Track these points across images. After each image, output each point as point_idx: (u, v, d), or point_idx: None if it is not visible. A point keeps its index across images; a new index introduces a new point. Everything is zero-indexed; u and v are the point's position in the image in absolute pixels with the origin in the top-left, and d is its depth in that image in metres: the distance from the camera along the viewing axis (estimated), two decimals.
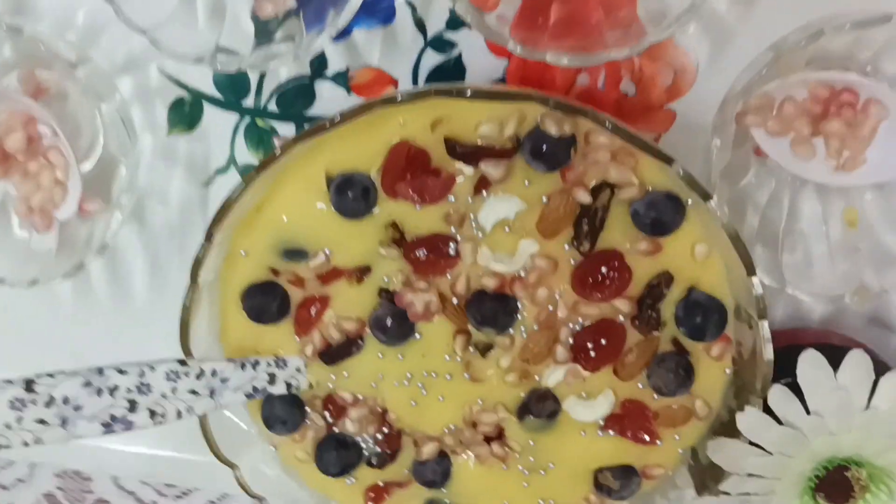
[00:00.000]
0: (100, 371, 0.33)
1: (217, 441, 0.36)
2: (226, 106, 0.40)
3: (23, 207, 0.39)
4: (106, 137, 0.39)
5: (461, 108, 0.33)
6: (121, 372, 0.33)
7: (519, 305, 0.36)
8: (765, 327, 0.33)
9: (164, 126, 0.40)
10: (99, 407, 0.33)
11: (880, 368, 0.34)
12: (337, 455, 0.38)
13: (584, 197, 0.34)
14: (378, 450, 0.38)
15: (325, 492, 0.39)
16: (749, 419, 0.34)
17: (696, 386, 0.36)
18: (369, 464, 0.39)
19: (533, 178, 0.34)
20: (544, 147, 0.33)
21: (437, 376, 0.37)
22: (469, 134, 0.34)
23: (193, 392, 0.35)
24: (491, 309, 0.36)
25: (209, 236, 0.34)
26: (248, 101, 0.40)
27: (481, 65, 0.38)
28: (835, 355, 0.33)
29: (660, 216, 0.34)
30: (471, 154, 0.34)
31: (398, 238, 0.35)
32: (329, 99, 0.39)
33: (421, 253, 0.35)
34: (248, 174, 0.33)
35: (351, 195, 0.35)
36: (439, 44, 0.38)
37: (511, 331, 0.36)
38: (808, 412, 0.33)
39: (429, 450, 0.38)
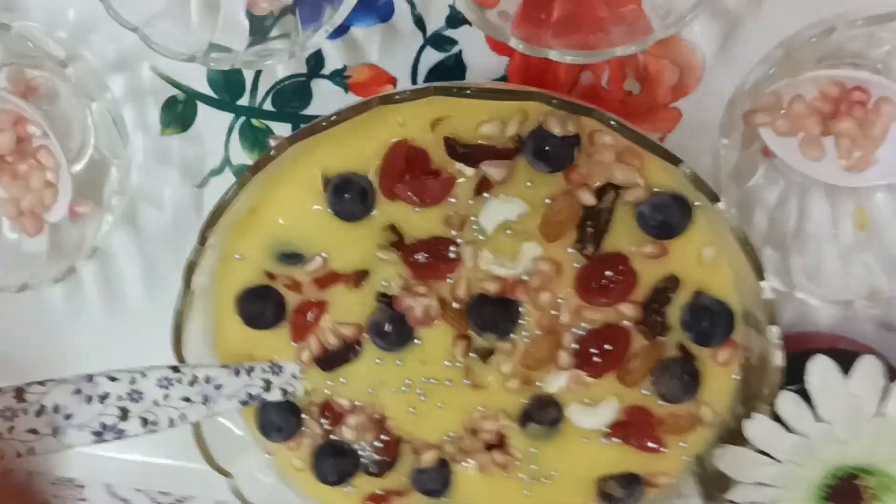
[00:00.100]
0: (90, 378, 0.32)
1: (211, 449, 0.35)
2: (220, 105, 0.39)
3: (12, 210, 0.39)
4: (97, 138, 0.39)
5: (462, 107, 0.32)
6: (112, 379, 0.33)
7: (521, 310, 0.35)
8: (774, 333, 0.32)
9: (156, 126, 0.40)
10: (90, 415, 0.32)
11: (891, 374, 0.33)
12: (334, 463, 0.37)
13: (589, 199, 0.33)
14: (376, 458, 0.38)
15: (323, 500, 0.39)
16: (757, 427, 0.33)
17: (702, 392, 0.36)
18: (368, 472, 0.38)
19: (536, 180, 0.33)
20: (547, 147, 0.32)
21: (437, 382, 0.36)
22: (470, 134, 0.33)
23: (187, 399, 0.34)
24: (492, 314, 0.35)
25: (203, 239, 0.33)
26: (243, 101, 0.39)
27: (482, 63, 0.37)
28: (845, 361, 0.33)
29: (666, 218, 0.33)
30: (472, 154, 0.33)
31: (397, 241, 0.35)
32: (326, 98, 0.38)
33: (420, 256, 0.35)
34: (243, 175, 0.32)
35: (348, 197, 0.34)
36: (439, 41, 0.37)
37: (513, 336, 0.35)
38: (817, 419, 0.33)
39: (428, 458, 0.37)
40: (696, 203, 0.33)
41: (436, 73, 0.38)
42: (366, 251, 0.35)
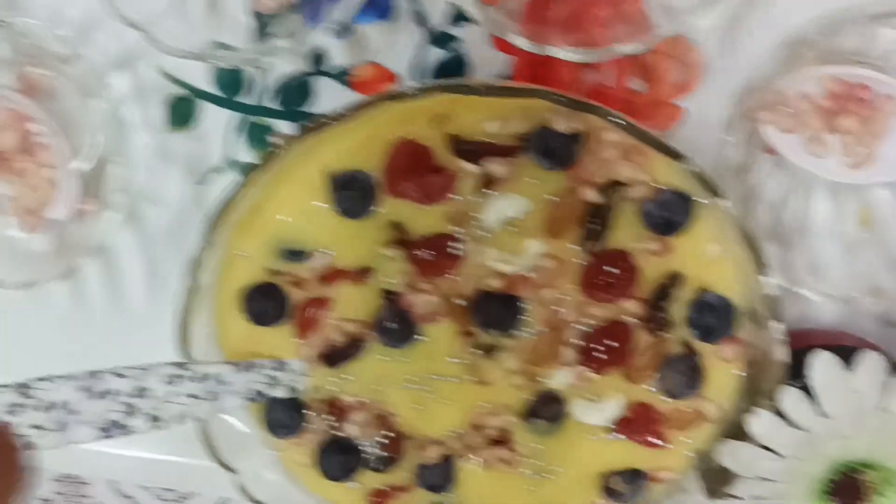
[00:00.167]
0: (97, 375, 0.32)
1: (217, 445, 0.36)
2: (222, 103, 0.39)
3: (16, 208, 0.39)
4: (101, 136, 0.38)
5: (466, 105, 0.32)
6: (118, 376, 0.33)
7: (525, 307, 0.35)
8: (778, 329, 0.32)
9: (159, 124, 0.40)
10: (96, 411, 0.32)
11: (893, 370, 0.33)
12: (339, 459, 0.37)
13: (593, 195, 0.33)
14: (381, 454, 0.38)
15: (328, 496, 0.39)
16: (760, 422, 0.33)
17: (706, 388, 0.36)
18: (372, 468, 0.38)
19: (540, 177, 0.34)
20: (552, 144, 0.32)
21: (442, 379, 0.36)
22: (474, 131, 0.33)
23: (193, 396, 0.34)
24: (496, 310, 0.35)
25: (207, 237, 0.33)
26: (246, 98, 0.39)
27: (485, 61, 0.37)
28: (847, 357, 0.33)
29: (670, 215, 0.33)
30: (476, 152, 0.33)
31: (401, 238, 0.35)
32: (328, 95, 0.38)
33: (424, 253, 0.35)
34: (247, 173, 0.32)
35: (352, 194, 0.34)
36: (441, 39, 0.37)
37: (517, 332, 0.36)
38: (819, 415, 0.33)
39: (433, 453, 0.37)
40: (699, 200, 0.33)
41: (438, 70, 0.38)
42: (370, 248, 0.35)
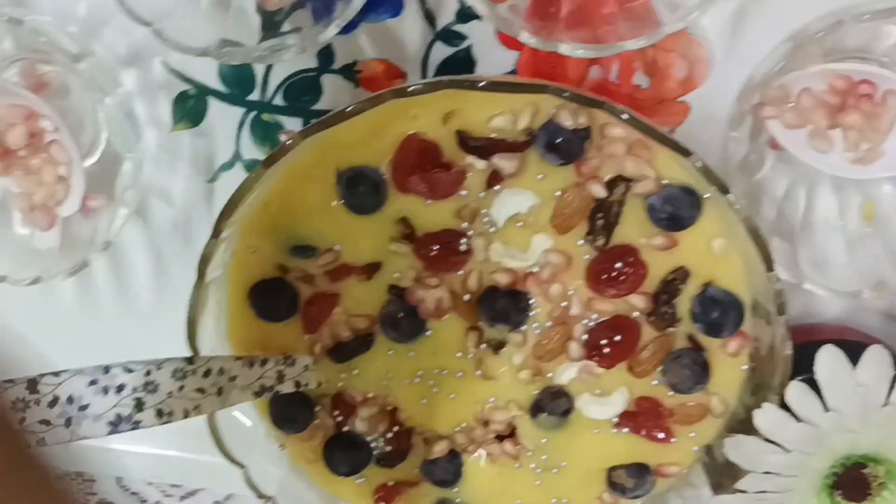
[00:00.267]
0: (105, 369, 0.32)
1: (225, 441, 0.36)
2: (231, 100, 0.39)
3: (24, 204, 0.39)
4: (109, 132, 0.39)
5: (474, 101, 0.33)
6: (127, 370, 0.33)
7: (532, 302, 0.35)
8: (784, 323, 0.33)
9: (168, 121, 0.40)
10: (105, 406, 0.32)
11: None
12: (346, 454, 0.38)
13: (599, 191, 0.34)
14: (388, 449, 0.38)
15: (334, 492, 0.39)
16: (767, 416, 0.33)
17: (711, 383, 0.36)
18: (379, 463, 0.38)
19: (547, 172, 0.34)
20: (559, 139, 0.33)
21: (449, 374, 0.37)
22: (482, 127, 0.33)
23: (201, 391, 0.34)
24: (503, 305, 0.35)
25: (216, 232, 0.33)
26: (254, 96, 0.39)
27: (491, 57, 0.37)
28: (852, 352, 0.33)
29: (676, 210, 0.33)
30: (483, 147, 0.33)
31: (409, 234, 0.35)
32: (336, 93, 0.38)
33: (432, 249, 0.35)
34: (257, 168, 0.33)
35: (361, 190, 0.34)
36: (448, 36, 0.37)
37: (524, 327, 0.36)
38: (825, 409, 0.33)
39: (440, 448, 0.37)
40: (705, 195, 0.33)
41: (446, 67, 0.38)
42: (378, 244, 0.35)
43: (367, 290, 0.36)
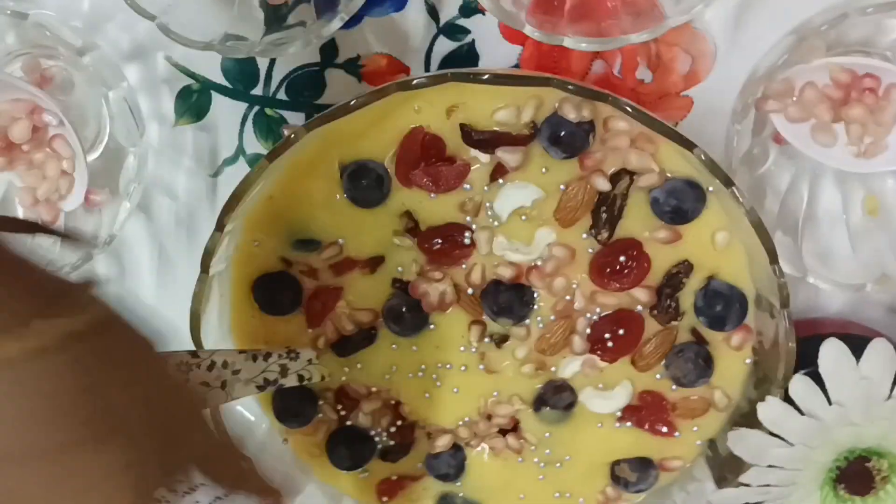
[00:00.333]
0: None
1: (227, 434, 0.36)
2: (234, 95, 0.39)
3: (28, 198, 0.39)
4: (113, 127, 0.39)
5: (477, 94, 0.33)
6: None
7: (535, 295, 0.35)
8: (788, 316, 0.33)
9: (171, 116, 0.40)
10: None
11: None
12: (349, 449, 0.38)
13: (603, 184, 0.34)
14: (391, 443, 0.38)
15: (337, 486, 0.39)
16: (771, 410, 0.33)
17: (715, 376, 0.36)
18: (382, 457, 0.38)
19: (550, 166, 0.34)
20: (562, 133, 0.33)
21: (452, 368, 0.37)
22: (485, 120, 0.33)
23: (205, 384, 0.34)
24: (507, 299, 0.35)
25: (220, 225, 0.33)
26: (257, 90, 0.39)
27: (495, 52, 0.37)
28: (855, 346, 0.33)
29: (680, 203, 0.33)
30: (487, 141, 0.33)
31: (412, 227, 0.35)
32: (339, 87, 0.39)
33: (435, 242, 0.35)
34: (261, 161, 0.33)
35: (364, 183, 0.34)
36: (452, 30, 0.37)
37: (527, 321, 0.36)
38: (829, 402, 0.33)
39: (443, 442, 0.37)
40: (709, 188, 0.33)
41: (449, 62, 0.38)
42: (381, 237, 0.35)
43: (370, 283, 0.36)
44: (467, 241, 0.35)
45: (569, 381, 0.36)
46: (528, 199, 0.34)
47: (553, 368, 0.36)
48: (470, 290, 0.36)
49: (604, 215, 0.34)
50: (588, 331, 0.36)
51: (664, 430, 0.37)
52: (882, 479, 0.35)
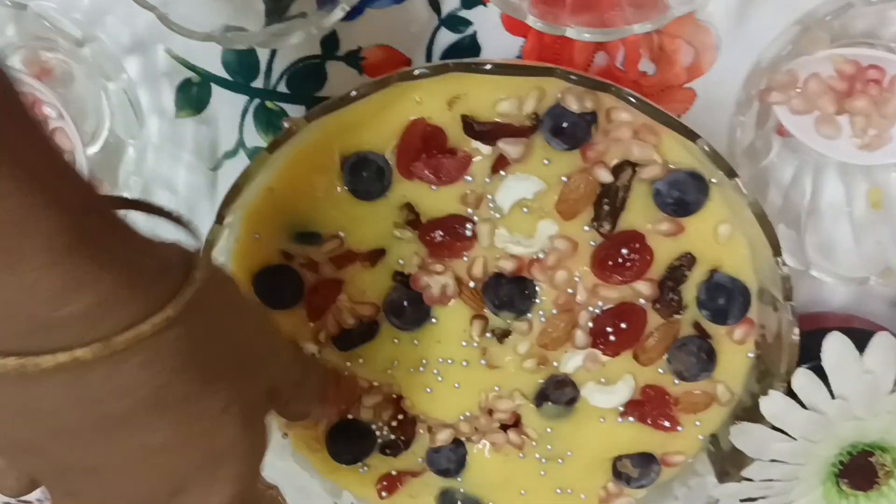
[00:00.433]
0: None
1: None
2: (235, 88, 0.39)
3: None
4: (112, 120, 0.38)
5: (479, 85, 0.33)
6: None
7: (537, 289, 0.35)
8: (791, 309, 0.32)
9: (171, 109, 0.40)
10: None
11: None
12: (350, 443, 0.37)
13: (605, 176, 0.33)
14: (392, 437, 0.38)
15: (337, 480, 0.39)
16: (773, 403, 0.33)
17: (717, 370, 0.36)
18: (382, 452, 0.38)
19: (552, 157, 0.34)
20: (565, 124, 0.32)
21: (454, 363, 0.36)
22: (487, 112, 0.33)
23: None
24: (508, 292, 0.35)
25: (220, 218, 0.33)
26: (258, 83, 0.39)
27: (497, 43, 0.37)
28: (858, 340, 0.33)
29: (683, 195, 0.33)
30: (489, 132, 0.33)
31: (413, 219, 0.35)
32: (340, 80, 0.38)
33: (437, 235, 0.35)
34: (261, 153, 0.32)
35: (365, 176, 0.34)
36: (453, 22, 0.37)
37: (529, 315, 0.36)
38: (832, 396, 0.33)
39: (443, 437, 0.37)
40: (712, 180, 0.33)
41: (450, 54, 0.38)
42: (382, 230, 0.35)
43: (371, 276, 0.36)
44: (469, 233, 0.35)
45: (571, 376, 0.36)
46: (530, 191, 0.34)
47: (555, 363, 0.36)
48: (471, 284, 0.35)
49: (606, 207, 0.34)
50: (590, 324, 0.35)
51: (667, 424, 0.36)
52: (885, 473, 0.35)
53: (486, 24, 0.37)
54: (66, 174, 0.22)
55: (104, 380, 0.22)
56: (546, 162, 0.34)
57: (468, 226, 0.35)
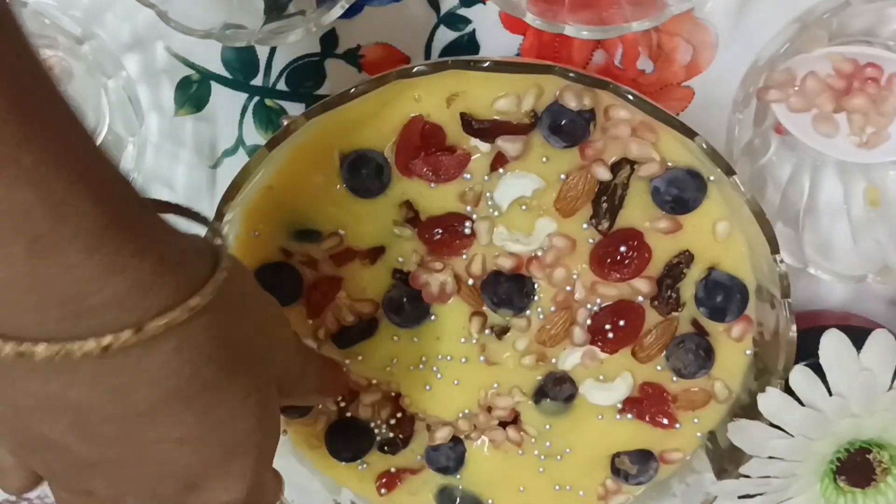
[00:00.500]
0: None
1: None
2: (234, 85, 0.39)
3: None
4: (112, 117, 0.38)
5: (478, 83, 0.33)
6: None
7: (536, 286, 0.35)
8: (788, 306, 0.32)
9: (170, 106, 0.40)
10: None
11: None
12: (349, 440, 0.38)
13: (604, 173, 0.34)
14: (391, 435, 0.38)
15: (337, 478, 0.39)
16: (771, 400, 0.33)
17: (715, 368, 0.36)
18: (381, 449, 0.38)
19: (551, 155, 0.34)
20: (563, 121, 0.33)
21: (453, 360, 0.36)
22: (486, 109, 0.33)
23: None
24: (507, 290, 0.35)
25: (219, 214, 0.33)
26: (257, 81, 0.39)
27: (495, 41, 0.37)
28: (855, 338, 0.33)
29: (681, 193, 0.33)
30: (487, 130, 0.33)
31: (412, 217, 0.35)
32: (339, 77, 0.38)
33: (436, 232, 0.35)
34: (260, 150, 0.33)
35: (364, 173, 0.34)
36: (452, 20, 0.37)
37: (528, 312, 0.36)
38: (830, 393, 0.33)
39: (442, 434, 0.37)
40: (710, 177, 0.33)
41: (449, 52, 0.38)
42: (381, 227, 0.35)
43: (370, 274, 0.36)
44: (468, 231, 0.35)
45: (569, 373, 0.36)
46: (529, 188, 0.34)
47: (553, 360, 0.36)
48: (470, 281, 0.35)
49: (604, 205, 0.34)
50: (588, 322, 0.35)
51: (665, 421, 0.37)
52: (882, 470, 0.35)
53: (485, 22, 0.37)
54: (100, 159, 0.21)
55: (134, 367, 0.22)
56: (544, 159, 0.34)
57: (467, 223, 0.35)
